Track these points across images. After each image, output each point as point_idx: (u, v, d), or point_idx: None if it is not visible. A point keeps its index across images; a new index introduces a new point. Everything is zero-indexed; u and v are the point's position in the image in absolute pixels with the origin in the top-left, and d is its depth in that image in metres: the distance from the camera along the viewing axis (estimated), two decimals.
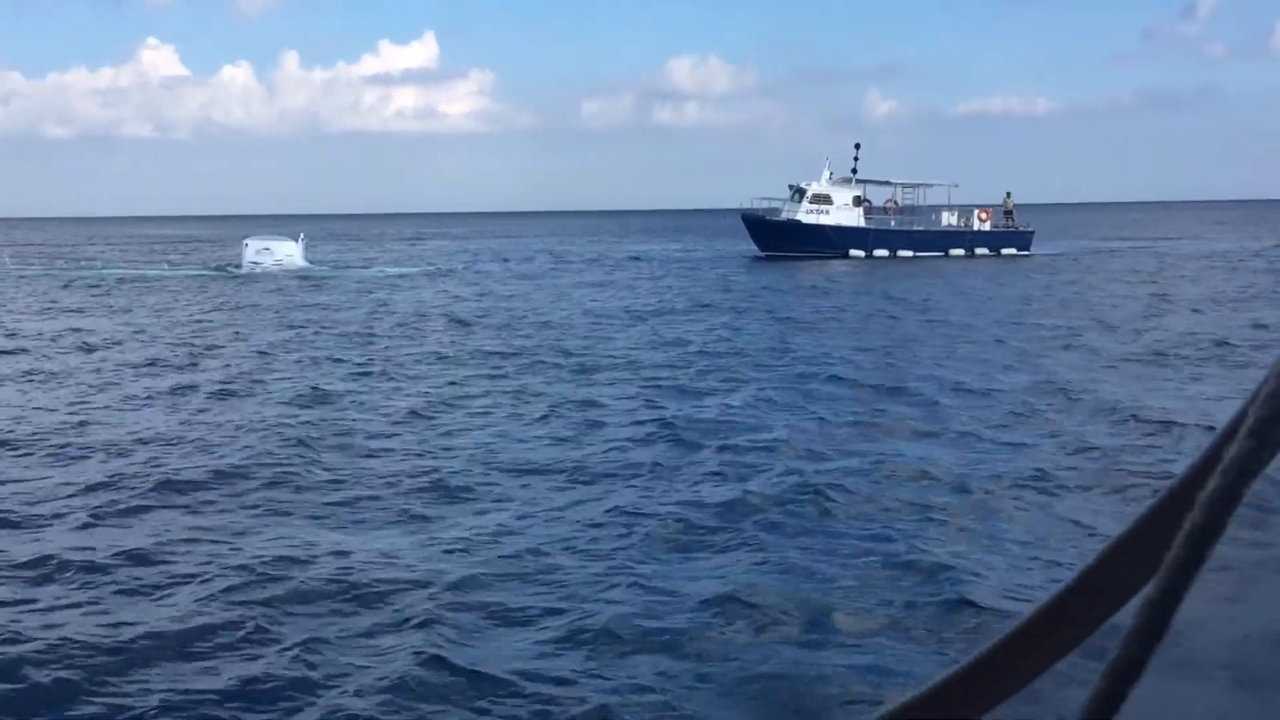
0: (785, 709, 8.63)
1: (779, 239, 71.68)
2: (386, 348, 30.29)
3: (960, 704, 0.91)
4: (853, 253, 70.03)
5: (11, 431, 19.01)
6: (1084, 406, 20.28)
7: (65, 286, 54.96)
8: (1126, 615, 0.74)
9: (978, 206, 75.86)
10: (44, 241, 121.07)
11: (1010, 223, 75.37)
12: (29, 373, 26.26)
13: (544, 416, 20.09)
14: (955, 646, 9.36)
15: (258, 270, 61.51)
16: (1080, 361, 26.05)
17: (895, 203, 73.41)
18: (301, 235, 65.23)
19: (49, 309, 43.47)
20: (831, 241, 69.98)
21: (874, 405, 20.82)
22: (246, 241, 63.92)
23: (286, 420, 19.65)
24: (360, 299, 46.63)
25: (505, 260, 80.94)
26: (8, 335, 33.77)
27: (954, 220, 73.49)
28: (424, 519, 13.72)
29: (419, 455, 17.17)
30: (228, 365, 26.98)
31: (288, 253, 63.15)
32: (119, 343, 31.98)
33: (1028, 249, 74.63)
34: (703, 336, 32.12)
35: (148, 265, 64.95)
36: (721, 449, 17.07)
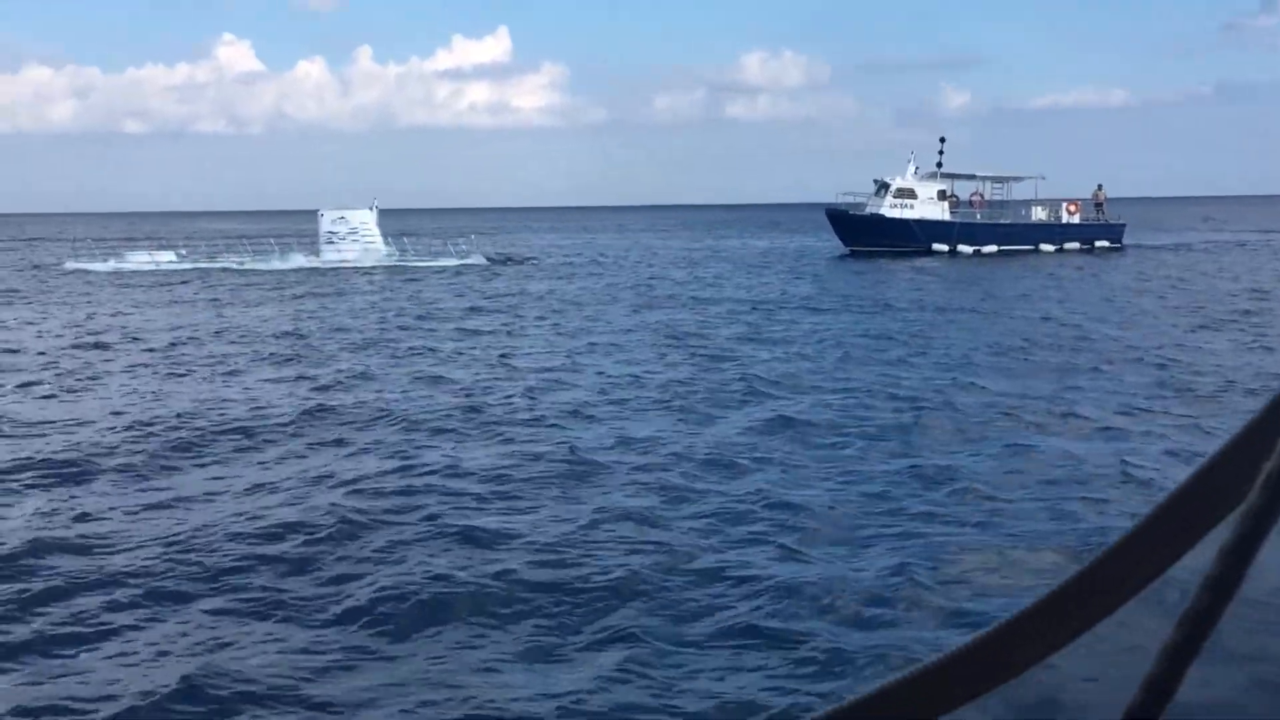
0: None
1: (863, 234, 70.89)
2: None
3: (919, 703, 0.89)
4: (937, 247, 69.08)
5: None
6: None
7: (204, 282, 55.76)
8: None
9: (1066, 200, 74.57)
10: (139, 236, 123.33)
11: (1101, 216, 73.92)
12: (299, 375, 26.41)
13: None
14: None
15: (335, 240, 63.23)
16: None
17: (981, 196, 72.35)
18: (374, 201, 66.18)
19: (228, 303, 44.04)
20: (916, 236, 69.06)
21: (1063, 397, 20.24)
22: (321, 213, 65.21)
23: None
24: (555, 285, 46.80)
25: (602, 256, 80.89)
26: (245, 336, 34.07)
27: (1044, 214, 72.33)
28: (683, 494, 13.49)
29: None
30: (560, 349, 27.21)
31: (362, 220, 64.30)
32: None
33: (1120, 242, 73.19)
34: (829, 334, 31.68)
35: (258, 259, 66.16)
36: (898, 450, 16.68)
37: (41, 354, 29.10)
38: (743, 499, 14.21)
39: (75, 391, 23.33)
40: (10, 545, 12.56)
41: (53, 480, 15.71)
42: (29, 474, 16.11)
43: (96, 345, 30.87)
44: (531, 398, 21.72)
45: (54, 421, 19.94)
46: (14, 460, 16.89)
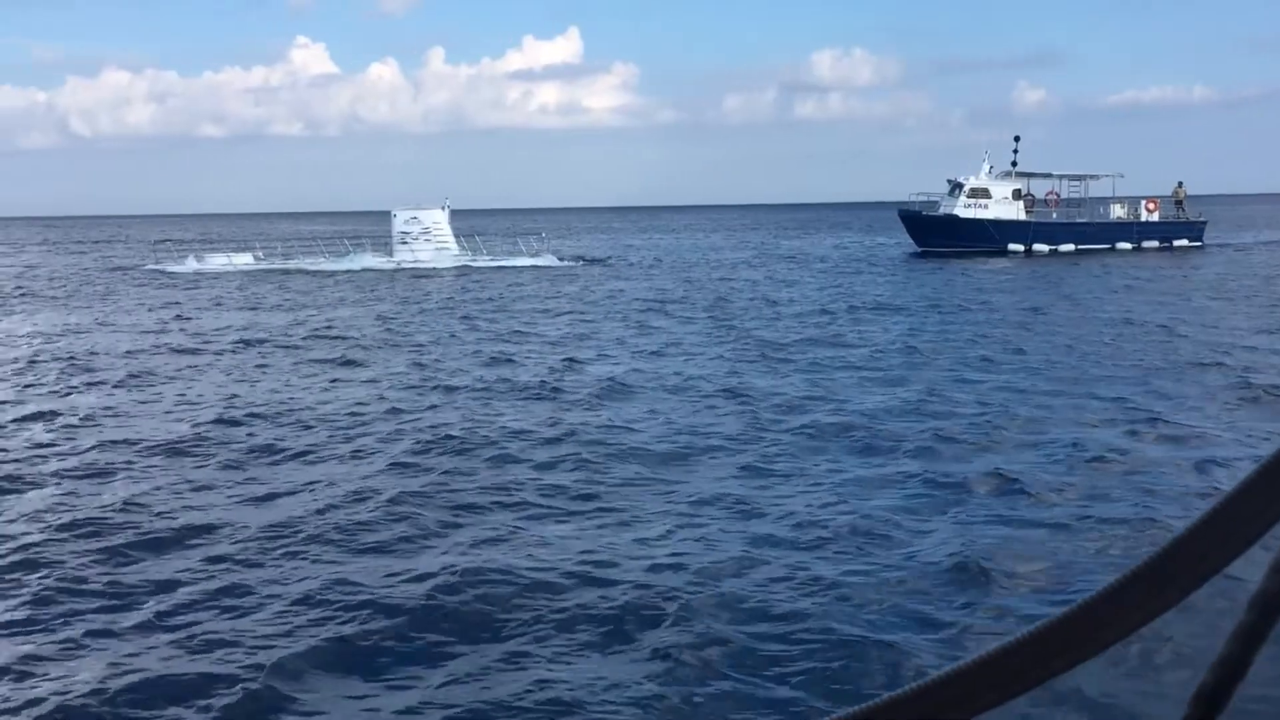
0: None
1: (936, 234, 70.21)
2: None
3: (951, 704, 0.89)
4: (1012, 247, 68.26)
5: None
6: None
7: (330, 279, 56.71)
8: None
9: (1145, 198, 73.32)
10: (214, 238, 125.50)
11: (1181, 213, 72.54)
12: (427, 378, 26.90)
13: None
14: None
15: (408, 240, 64.01)
16: None
17: (1057, 195, 71.35)
18: (446, 201, 66.77)
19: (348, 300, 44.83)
20: (991, 236, 68.28)
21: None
22: (394, 213, 65.90)
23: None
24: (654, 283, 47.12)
25: (673, 256, 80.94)
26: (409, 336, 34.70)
27: (1123, 212, 71.20)
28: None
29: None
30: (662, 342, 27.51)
31: (435, 220, 64.88)
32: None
33: (1200, 240, 71.83)
34: (909, 335, 31.38)
35: (331, 259, 67.31)
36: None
37: (128, 353, 29.76)
38: (810, 500, 14.17)
39: (159, 389, 23.79)
40: (114, 533, 12.91)
41: (147, 470, 16.08)
42: (121, 463, 16.55)
43: (180, 347, 31.45)
44: (615, 399, 21.81)
45: (138, 416, 20.42)
46: (106, 453, 17.36)
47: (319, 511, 14.20)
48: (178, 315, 40.83)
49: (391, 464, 16.69)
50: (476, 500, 14.69)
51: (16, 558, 12.50)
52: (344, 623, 10.39)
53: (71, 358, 29.27)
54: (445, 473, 16.01)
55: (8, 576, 11.92)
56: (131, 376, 25.91)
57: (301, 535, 13.20)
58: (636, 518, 13.72)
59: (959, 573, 11.39)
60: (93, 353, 30.18)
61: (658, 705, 8.75)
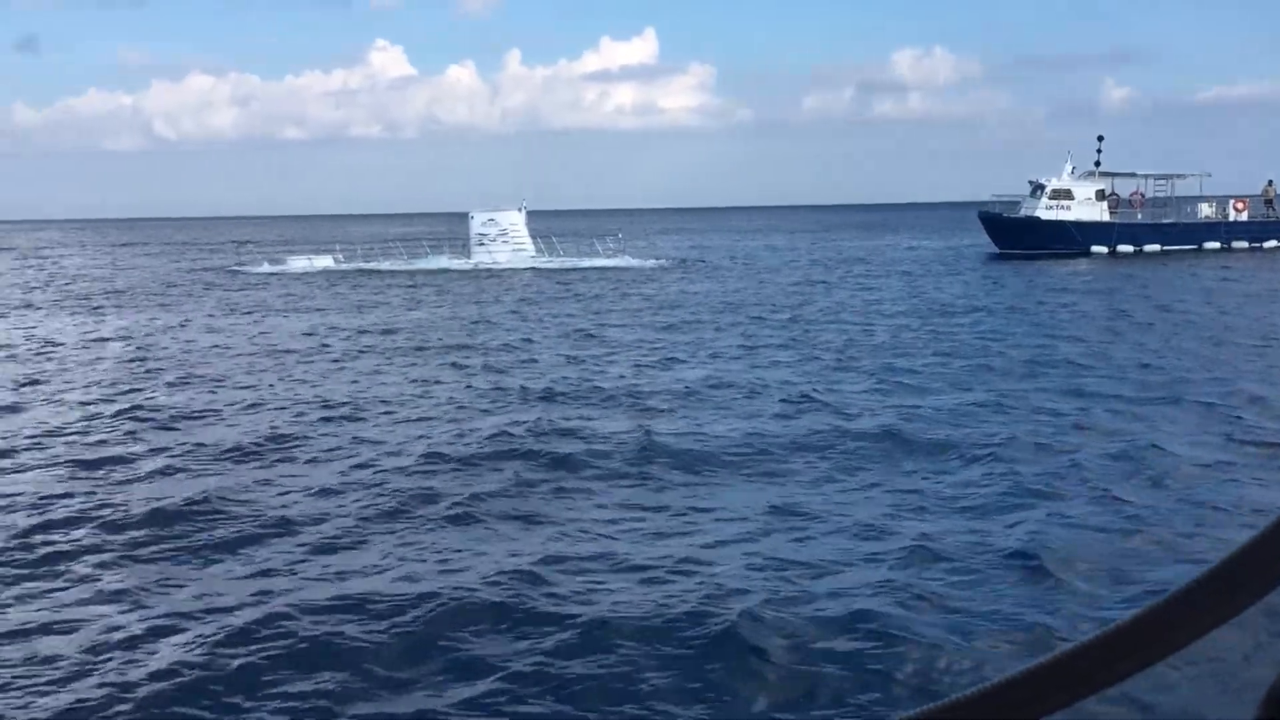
0: None
1: (1017, 236, 69.22)
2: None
3: (1020, 704, 0.90)
4: (1095, 249, 67.16)
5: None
6: None
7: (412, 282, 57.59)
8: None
9: (1233, 197, 71.68)
10: (299, 240, 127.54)
11: (1271, 213, 70.76)
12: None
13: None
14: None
15: (485, 242, 64.50)
16: None
17: (1142, 195, 70.03)
18: (523, 203, 67.30)
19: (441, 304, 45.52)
20: (1073, 238, 67.20)
21: None
22: (472, 215, 66.43)
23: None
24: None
25: (752, 256, 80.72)
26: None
27: (1210, 211, 69.70)
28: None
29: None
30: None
31: (511, 221, 65.32)
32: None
33: None
34: (995, 339, 30.83)
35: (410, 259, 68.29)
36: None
37: (215, 352, 30.40)
38: (887, 503, 14.08)
39: (242, 387, 24.25)
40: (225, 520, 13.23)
41: (225, 464, 16.43)
42: (205, 458, 16.95)
43: (264, 348, 32.03)
44: (690, 403, 21.87)
45: (219, 413, 20.88)
46: (190, 449, 17.79)
47: (389, 513, 14.41)
48: (262, 316, 41.61)
49: (462, 463, 16.87)
50: (544, 502, 14.80)
51: (107, 542, 12.85)
52: (405, 620, 10.53)
53: (162, 356, 29.99)
54: (515, 473, 16.16)
55: (99, 560, 12.25)
56: (215, 375, 26.51)
57: (370, 529, 13.44)
58: (707, 521, 13.72)
59: (1032, 573, 11.30)
60: (183, 351, 30.88)
61: (731, 704, 8.77)
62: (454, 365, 27.61)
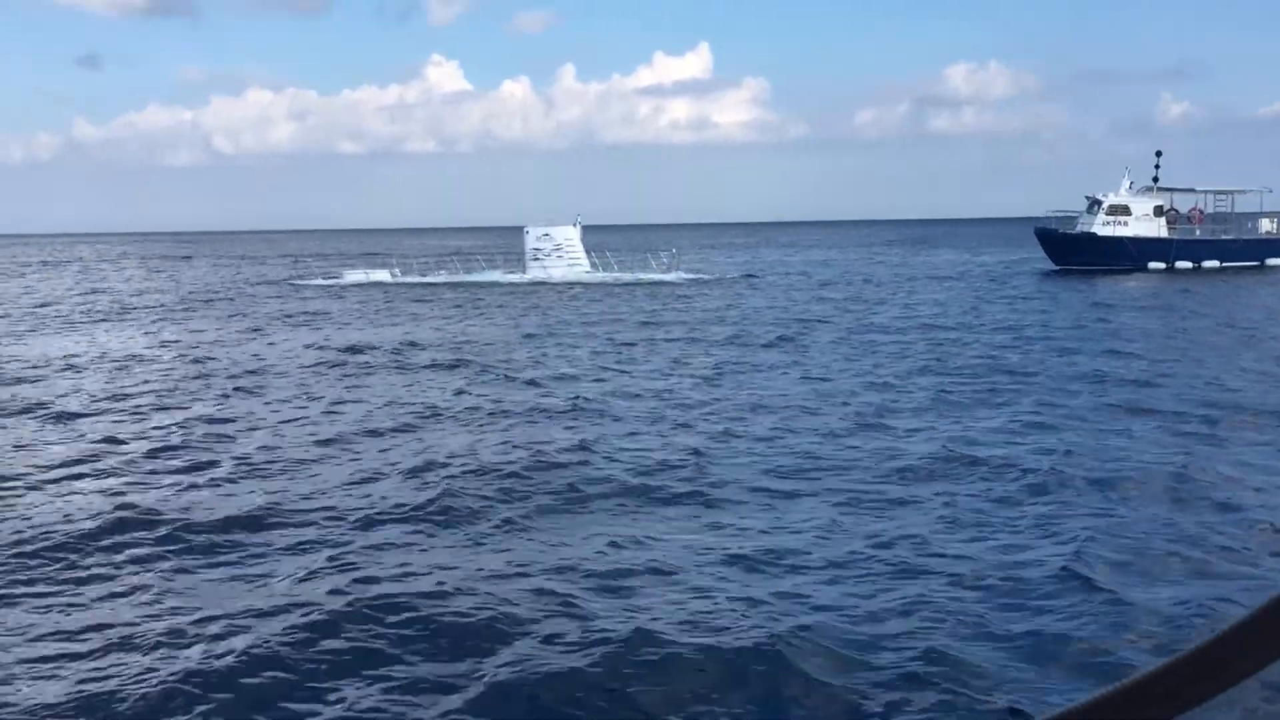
0: None
1: (1074, 252, 68.74)
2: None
3: (1154, 702, 0.90)
4: (1152, 265, 66.53)
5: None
6: None
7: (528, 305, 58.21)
8: None
9: None
10: (365, 253, 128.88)
11: None
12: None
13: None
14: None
15: (540, 257, 64.84)
16: None
17: (1200, 211, 69.29)
18: (578, 218, 67.59)
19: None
20: (1130, 254, 66.62)
21: None
22: (527, 229, 66.82)
23: None
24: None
25: (809, 272, 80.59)
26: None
27: (1271, 227, 68.80)
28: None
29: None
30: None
31: (566, 236, 65.63)
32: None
33: None
34: (1066, 359, 29.99)
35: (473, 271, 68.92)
36: None
37: (277, 363, 30.78)
38: (1014, 526, 14.08)
39: (302, 397, 24.63)
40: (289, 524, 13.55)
41: (285, 470, 16.76)
42: (268, 463, 17.28)
43: (324, 360, 32.43)
44: (745, 416, 21.93)
45: (281, 422, 21.20)
46: (257, 454, 18.14)
47: (445, 523, 14.61)
48: (317, 328, 42.20)
49: (509, 476, 16.99)
50: (592, 515, 14.93)
51: (161, 546, 13.19)
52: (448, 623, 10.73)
53: (219, 367, 30.47)
54: (566, 485, 16.30)
55: (152, 563, 12.59)
56: (270, 385, 26.95)
57: (419, 535, 13.64)
58: (756, 535, 13.79)
59: (1087, 590, 11.25)
60: (240, 361, 31.36)
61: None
62: (503, 379, 27.79)
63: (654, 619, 10.83)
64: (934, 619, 10.77)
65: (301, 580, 12.30)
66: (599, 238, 77.49)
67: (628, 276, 66.74)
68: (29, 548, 13.65)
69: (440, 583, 12.02)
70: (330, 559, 13.05)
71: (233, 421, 22.25)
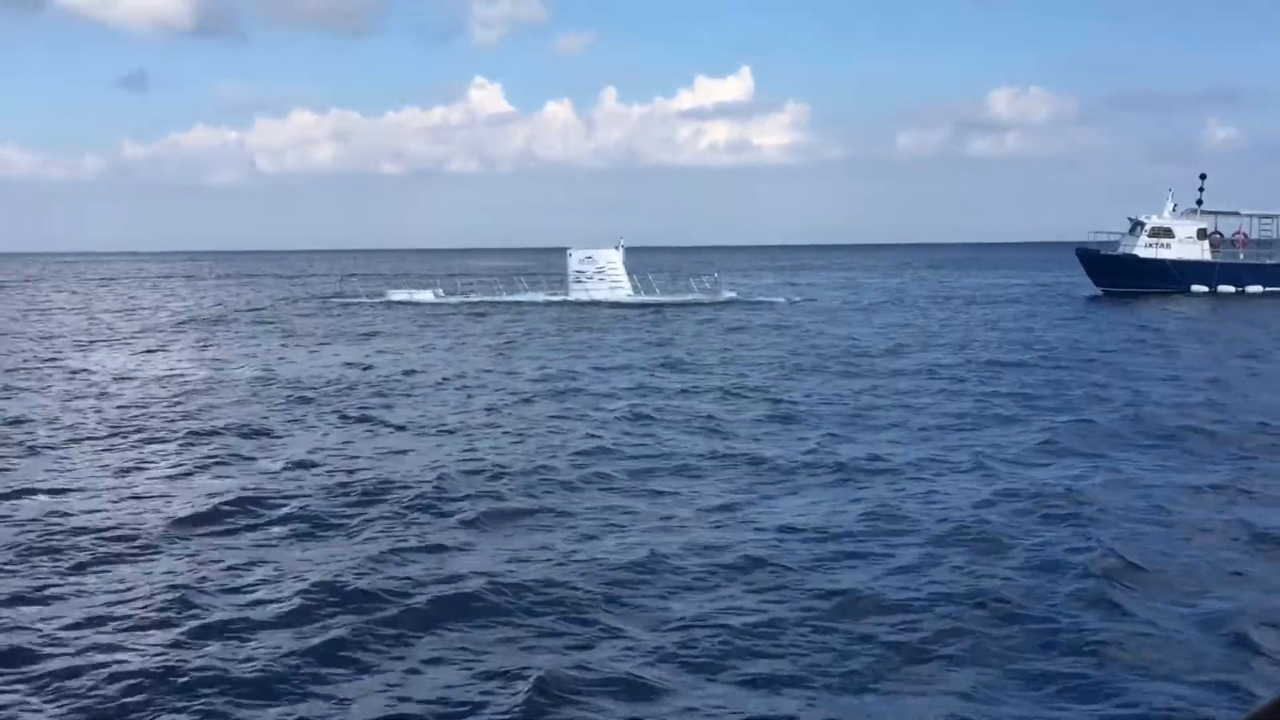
0: None
1: (1115, 274, 68.60)
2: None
3: None
4: (1195, 288, 66.32)
5: None
6: None
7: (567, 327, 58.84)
8: None
9: None
10: (411, 273, 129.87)
11: None
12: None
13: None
14: None
15: (583, 279, 65.10)
16: None
17: (1245, 235, 69.02)
18: (620, 241, 67.63)
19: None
20: (1172, 277, 66.47)
21: None
22: (570, 252, 67.11)
23: None
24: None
25: (853, 296, 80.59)
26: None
27: None
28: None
29: None
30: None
31: (609, 260, 65.76)
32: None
33: None
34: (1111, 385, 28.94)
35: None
36: None
37: (328, 381, 31.35)
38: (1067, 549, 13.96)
39: (351, 417, 25.06)
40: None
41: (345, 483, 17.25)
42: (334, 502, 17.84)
43: (372, 380, 33.00)
44: (781, 429, 22.37)
45: (336, 439, 21.81)
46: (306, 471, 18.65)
47: (492, 517, 15.11)
48: (363, 344, 43.01)
49: (556, 482, 17.48)
50: (634, 510, 15.40)
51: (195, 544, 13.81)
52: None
53: (284, 383, 31.12)
54: (607, 485, 16.83)
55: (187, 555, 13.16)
56: (317, 398, 27.52)
57: (468, 534, 14.09)
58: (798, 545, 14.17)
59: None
60: (305, 379, 32.00)
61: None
62: (554, 401, 27.70)
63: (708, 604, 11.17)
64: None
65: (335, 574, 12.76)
66: (641, 259, 76.64)
67: (670, 298, 66.05)
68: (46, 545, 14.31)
69: (496, 568, 12.41)
70: (365, 554, 13.52)
71: (264, 433, 22.90)
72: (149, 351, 41.36)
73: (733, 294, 70.96)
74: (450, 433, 22.69)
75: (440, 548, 13.98)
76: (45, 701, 9.47)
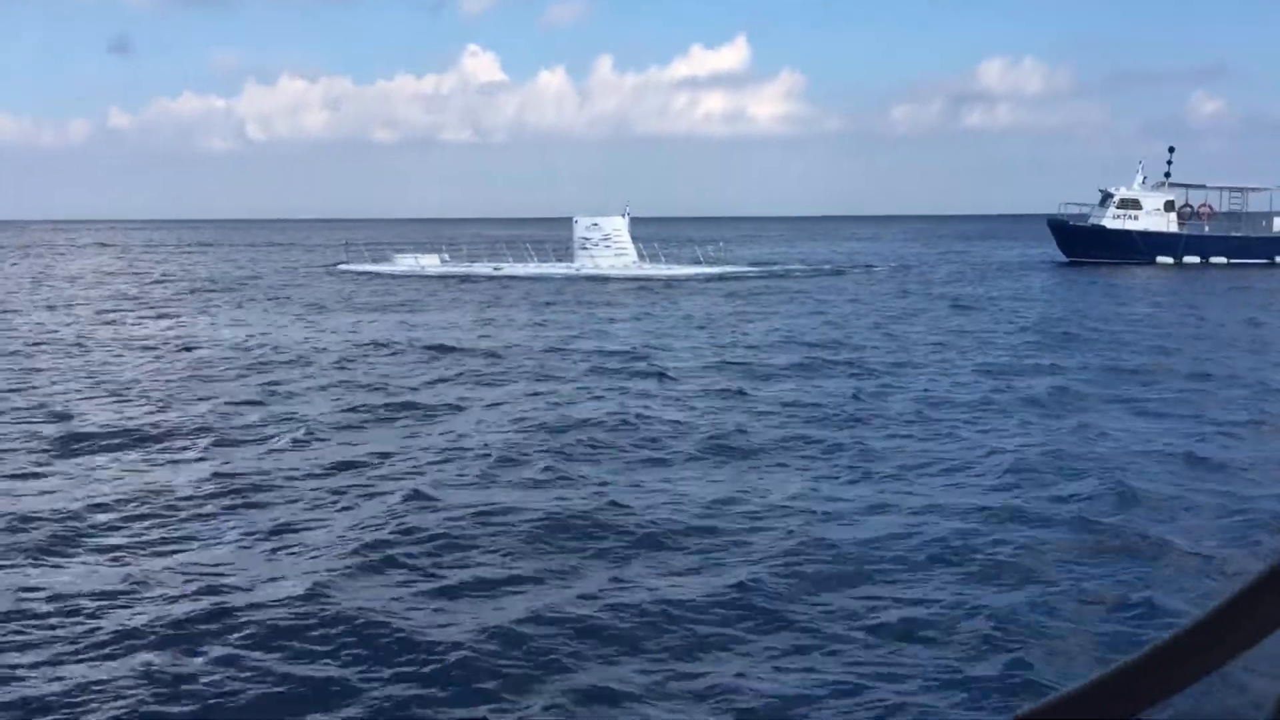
0: None
1: (1084, 245, 71.45)
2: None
3: (1114, 702, 0.92)
4: (1160, 259, 69.04)
5: None
6: None
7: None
8: None
9: None
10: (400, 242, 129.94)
11: None
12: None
13: None
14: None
15: (588, 247, 64.80)
16: None
17: (1209, 207, 71.50)
18: (626, 209, 67.11)
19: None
20: (1138, 248, 69.20)
21: None
22: (576, 220, 66.78)
23: None
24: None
25: (856, 266, 79.40)
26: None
27: None
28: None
29: None
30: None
31: (615, 227, 65.32)
32: None
33: None
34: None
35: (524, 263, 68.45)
36: None
37: (337, 350, 31.83)
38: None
39: (362, 382, 26.01)
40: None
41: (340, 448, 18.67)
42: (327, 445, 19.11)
43: (384, 344, 33.86)
44: (795, 410, 21.96)
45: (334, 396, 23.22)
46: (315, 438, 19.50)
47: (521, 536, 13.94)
48: (368, 311, 44.00)
49: (597, 465, 17.23)
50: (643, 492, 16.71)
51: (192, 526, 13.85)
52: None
53: (290, 351, 31.48)
54: (617, 462, 17.39)
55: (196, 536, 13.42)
56: (320, 368, 27.85)
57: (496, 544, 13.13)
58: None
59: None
60: (294, 345, 32.79)
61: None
62: (566, 373, 26.91)
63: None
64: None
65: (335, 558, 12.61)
66: (638, 229, 75.36)
67: (676, 269, 65.32)
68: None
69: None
70: (360, 541, 13.09)
71: (266, 406, 22.60)
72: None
73: (733, 266, 71.21)
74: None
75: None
76: (49, 683, 9.37)
